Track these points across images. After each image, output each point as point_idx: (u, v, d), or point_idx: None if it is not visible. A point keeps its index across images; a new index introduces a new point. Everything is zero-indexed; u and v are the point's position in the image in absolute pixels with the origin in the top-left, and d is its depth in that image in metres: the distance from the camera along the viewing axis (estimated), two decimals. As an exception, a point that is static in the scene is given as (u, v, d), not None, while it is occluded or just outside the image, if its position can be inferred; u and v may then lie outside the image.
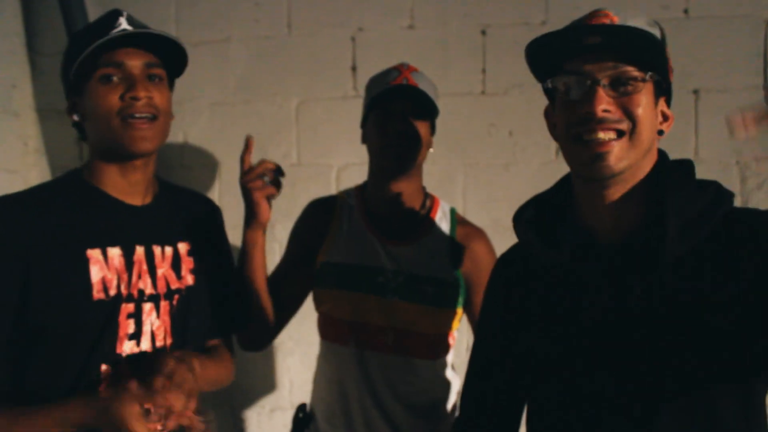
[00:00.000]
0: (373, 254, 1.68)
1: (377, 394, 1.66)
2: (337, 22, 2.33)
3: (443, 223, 1.74)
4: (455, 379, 1.81)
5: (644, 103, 1.10)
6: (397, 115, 1.64)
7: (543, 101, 2.18)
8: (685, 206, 1.09)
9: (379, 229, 1.71)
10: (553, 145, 2.20)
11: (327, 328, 1.74)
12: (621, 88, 1.09)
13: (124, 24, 1.27)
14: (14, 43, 2.43)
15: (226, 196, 2.40)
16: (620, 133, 1.09)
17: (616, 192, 1.13)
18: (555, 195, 1.25)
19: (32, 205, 1.27)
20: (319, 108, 2.33)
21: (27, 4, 2.46)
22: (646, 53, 1.10)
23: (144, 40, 1.28)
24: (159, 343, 1.33)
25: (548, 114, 1.25)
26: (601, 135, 1.08)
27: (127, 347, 1.29)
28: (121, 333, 1.28)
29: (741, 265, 1.05)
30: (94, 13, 2.31)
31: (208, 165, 2.43)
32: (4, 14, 2.39)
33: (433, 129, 1.74)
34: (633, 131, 1.09)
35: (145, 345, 1.31)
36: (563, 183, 1.27)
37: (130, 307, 1.29)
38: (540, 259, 1.21)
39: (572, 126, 1.11)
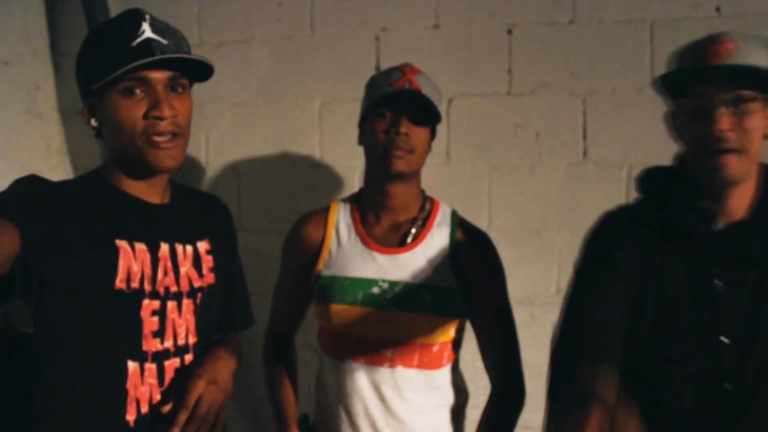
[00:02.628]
0: (367, 265, 1.64)
1: (383, 409, 1.62)
2: (360, 22, 2.30)
3: (442, 227, 1.68)
4: (464, 386, 1.77)
5: (755, 122, 1.28)
6: (399, 119, 1.59)
7: (569, 102, 2.18)
8: None
9: (375, 238, 1.67)
10: (580, 146, 2.16)
11: (326, 343, 1.71)
12: (739, 107, 1.27)
13: (147, 32, 1.22)
14: (38, 44, 2.43)
15: (247, 197, 2.38)
16: (737, 151, 1.27)
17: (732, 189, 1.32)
18: (676, 172, 1.41)
19: (60, 193, 1.25)
20: (342, 109, 2.31)
21: (50, 6, 2.47)
22: (761, 82, 1.27)
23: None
24: (181, 342, 1.33)
25: (669, 119, 1.43)
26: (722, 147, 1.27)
27: (153, 345, 1.28)
28: (146, 330, 1.27)
29: None
30: (115, 14, 2.30)
31: (230, 166, 2.41)
32: (28, 16, 2.39)
33: (433, 134, 1.69)
34: (744, 147, 1.27)
35: (169, 343, 1.31)
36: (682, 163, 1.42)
37: (155, 304, 1.28)
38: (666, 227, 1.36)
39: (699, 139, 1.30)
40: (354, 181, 2.31)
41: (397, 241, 1.66)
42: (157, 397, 1.29)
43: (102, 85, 1.22)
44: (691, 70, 1.30)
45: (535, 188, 2.19)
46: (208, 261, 1.40)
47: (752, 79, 1.26)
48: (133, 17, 1.24)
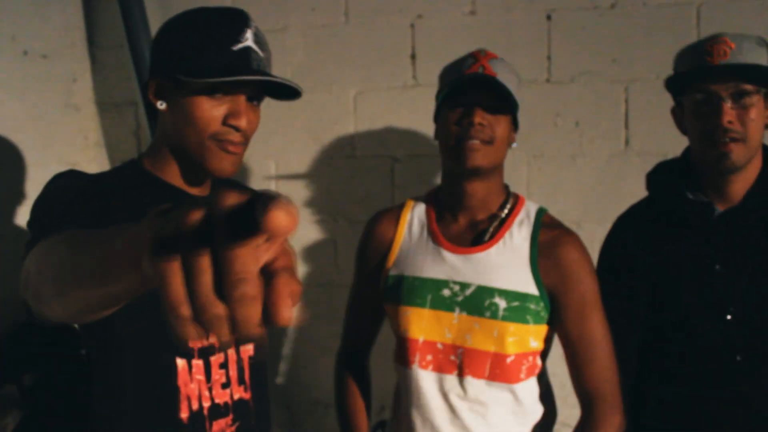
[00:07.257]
0: (437, 264, 1.53)
1: (452, 420, 1.50)
2: (395, 9, 2.27)
3: (524, 226, 1.53)
4: (551, 403, 1.62)
5: (755, 114, 1.45)
6: (472, 109, 1.46)
7: (611, 90, 2.12)
8: None
9: (448, 236, 1.55)
10: (622, 135, 2.11)
11: (396, 349, 1.60)
12: (741, 101, 1.44)
13: (250, 40, 1.22)
14: (75, 37, 2.45)
15: (283, 186, 2.38)
16: (740, 140, 1.44)
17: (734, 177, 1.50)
18: (678, 165, 1.60)
19: (98, 187, 1.24)
20: (377, 98, 2.28)
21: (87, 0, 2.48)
22: (760, 78, 1.45)
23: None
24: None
25: (676, 113, 1.61)
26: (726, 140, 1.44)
27: (198, 341, 1.27)
28: None
29: None
30: (151, 6, 2.30)
31: (266, 156, 2.41)
32: (66, 9, 2.41)
33: (515, 123, 1.55)
34: (747, 137, 1.44)
35: (213, 338, 1.29)
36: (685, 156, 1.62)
37: None
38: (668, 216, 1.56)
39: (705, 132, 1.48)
40: (389, 171, 2.28)
41: (472, 239, 1.54)
42: (206, 393, 1.28)
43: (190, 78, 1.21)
44: (701, 70, 1.47)
45: (576, 179, 2.14)
46: None
47: (751, 75, 1.44)
48: (240, 18, 1.24)
